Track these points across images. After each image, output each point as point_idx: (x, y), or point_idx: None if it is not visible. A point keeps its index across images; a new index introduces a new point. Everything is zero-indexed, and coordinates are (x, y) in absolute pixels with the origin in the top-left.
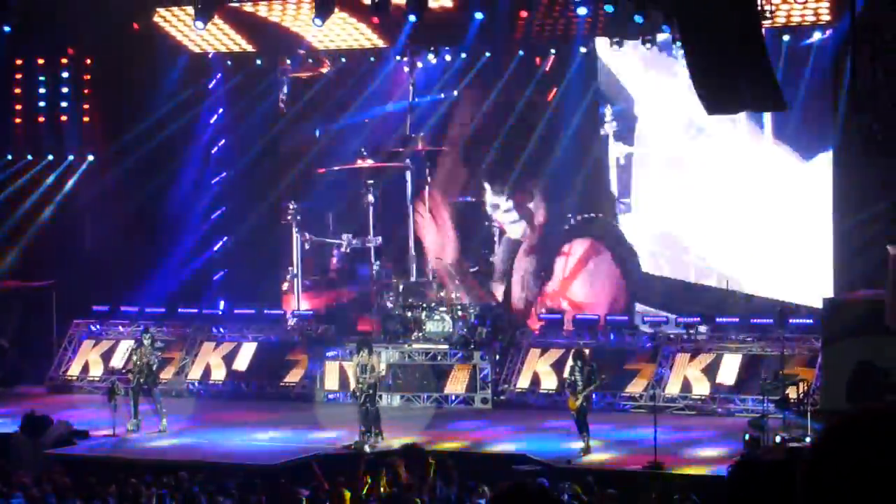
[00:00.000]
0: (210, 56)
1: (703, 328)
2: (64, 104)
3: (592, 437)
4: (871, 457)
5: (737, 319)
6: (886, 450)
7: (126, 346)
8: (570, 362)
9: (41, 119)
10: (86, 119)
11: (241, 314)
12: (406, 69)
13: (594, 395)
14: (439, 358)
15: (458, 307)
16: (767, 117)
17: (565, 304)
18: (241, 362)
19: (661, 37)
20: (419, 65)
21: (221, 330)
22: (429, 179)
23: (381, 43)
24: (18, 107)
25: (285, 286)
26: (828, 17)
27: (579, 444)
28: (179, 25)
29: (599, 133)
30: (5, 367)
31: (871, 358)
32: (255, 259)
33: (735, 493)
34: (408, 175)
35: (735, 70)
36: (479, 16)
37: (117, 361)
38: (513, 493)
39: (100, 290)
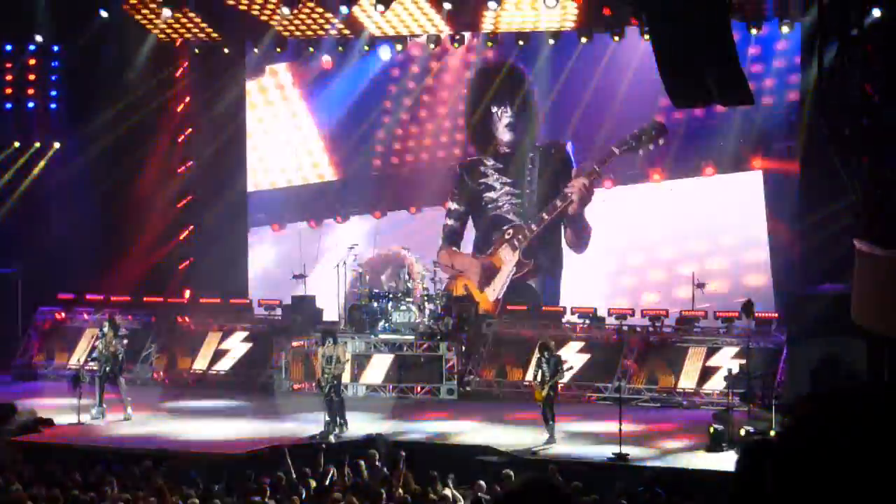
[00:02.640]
0: (177, 44)
1: (668, 320)
2: (31, 91)
3: (557, 428)
4: (838, 437)
5: (703, 312)
6: (852, 431)
7: (91, 333)
8: (535, 354)
9: (8, 106)
10: (53, 106)
11: (206, 303)
12: None
13: (558, 387)
14: (405, 349)
15: (425, 298)
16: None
17: None
18: (207, 352)
19: None
20: None
21: (186, 319)
22: None
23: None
24: None
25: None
26: (795, 11)
27: (544, 436)
28: (147, 13)
29: None
30: None
31: (835, 352)
32: (220, 248)
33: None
34: None
35: (702, 63)
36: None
37: (82, 349)
38: (526, 491)
39: (65, 277)
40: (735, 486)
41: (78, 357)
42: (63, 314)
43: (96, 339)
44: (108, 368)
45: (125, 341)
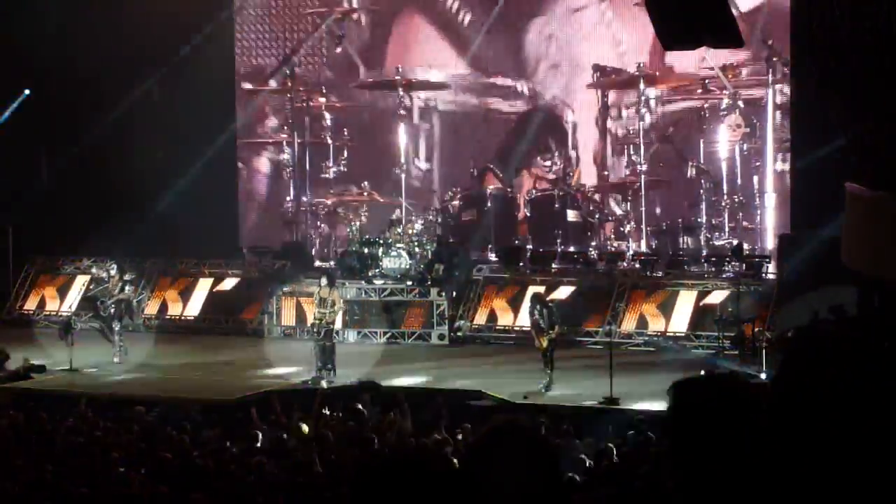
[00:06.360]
0: None
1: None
2: None
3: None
4: (827, 375)
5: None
6: (840, 368)
7: (82, 280)
8: (528, 304)
9: None
10: None
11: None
12: None
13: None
14: (396, 294)
15: (416, 244)
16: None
17: None
18: (198, 298)
19: None
20: None
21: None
22: None
23: None
24: None
25: None
26: None
27: (543, 381)
28: None
29: None
30: None
31: (825, 295)
32: (211, 193)
33: (679, 412)
34: None
35: (692, 5)
36: None
37: (73, 296)
38: (498, 437)
39: (56, 223)
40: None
41: (69, 304)
42: (54, 261)
43: (101, 285)
44: (123, 310)
45: (133, 287)
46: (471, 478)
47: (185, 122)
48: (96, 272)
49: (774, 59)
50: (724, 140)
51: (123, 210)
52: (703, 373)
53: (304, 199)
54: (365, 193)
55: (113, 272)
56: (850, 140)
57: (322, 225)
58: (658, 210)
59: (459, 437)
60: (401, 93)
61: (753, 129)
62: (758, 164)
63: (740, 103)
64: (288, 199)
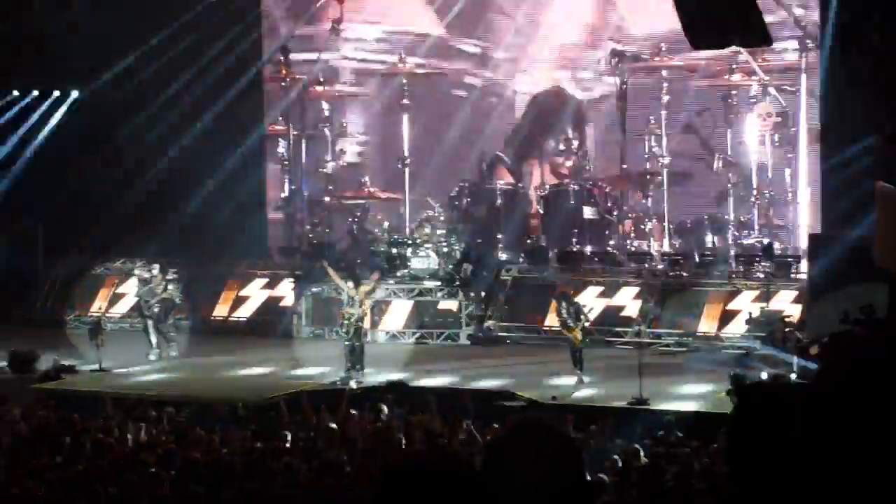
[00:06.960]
0: None
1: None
2: None
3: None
4: (868, 382)
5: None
6: (880, 375)
7: (111, 282)
8: (555, 303)
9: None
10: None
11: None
12: None
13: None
14: (424, 295)
15: (444, 244)
16: None
17: None
18: (227, 298)
19: None
20: None
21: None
22: None
23: None
24: None
25: None
26: None
27: (572, 380)
28: None
29: None
30: None
31: (858, 293)
32: (240, 193)
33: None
34: None
35: (720, 4)
36: None
37: (102, 298)
38: (519, 432)
39: (86, 224)
40: (734, 427)
41: (99, 305)
42: (85, 263)
43: (145, 286)
44: (168, 309)
45: (171, 286)
46: (493, 476)
47: (213, 121)
48: (139, 273)
49: (808, 42)
50: (754, 130)
51: (153, 211)
52: (764, 376)
53: (306, 193)
54: (366, 190)
55: (155, 272)
56: (882, 138)
57: (318, 223)
58: (682, 206)
59: (488, 437)
60: (404, 81)
61: (786, 117)
62: (790, 155)
63: (771, 90)
64: (283, 195)
